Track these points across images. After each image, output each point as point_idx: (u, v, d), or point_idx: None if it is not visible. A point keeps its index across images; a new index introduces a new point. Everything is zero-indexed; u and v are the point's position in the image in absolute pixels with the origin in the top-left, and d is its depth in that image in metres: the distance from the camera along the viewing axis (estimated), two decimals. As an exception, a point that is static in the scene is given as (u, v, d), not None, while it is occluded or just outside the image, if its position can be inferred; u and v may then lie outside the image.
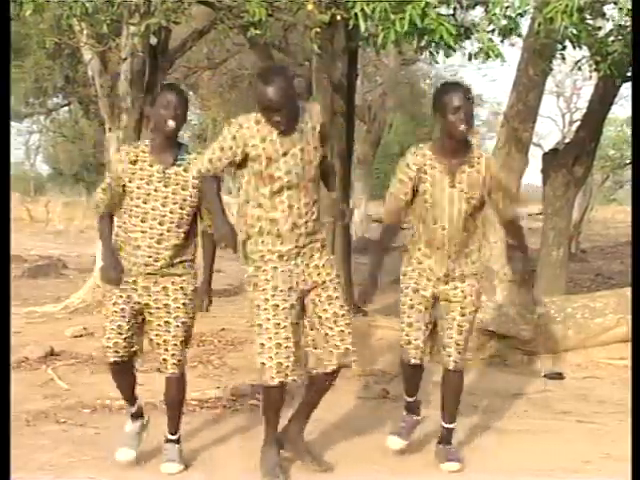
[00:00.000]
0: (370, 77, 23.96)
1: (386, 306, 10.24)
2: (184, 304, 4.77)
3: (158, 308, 4.75)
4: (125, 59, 10.43)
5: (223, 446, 5.17)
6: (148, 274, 4.73)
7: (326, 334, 4.68)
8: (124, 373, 4.85)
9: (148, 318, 4.78)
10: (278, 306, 4.55)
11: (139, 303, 4.74)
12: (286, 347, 4.54)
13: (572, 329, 7.69)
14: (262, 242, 4.60)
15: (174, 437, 4.92)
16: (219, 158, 4.56)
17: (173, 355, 4.78)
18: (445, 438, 4.98)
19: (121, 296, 4.72)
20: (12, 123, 25.79)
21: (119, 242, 4.80)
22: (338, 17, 7.22)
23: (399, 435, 5.02)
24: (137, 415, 4.99)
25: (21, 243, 19.64)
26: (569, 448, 5.26)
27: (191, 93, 23.08)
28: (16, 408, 5.83)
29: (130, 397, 4.95)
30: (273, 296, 4.55)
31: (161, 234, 4.69)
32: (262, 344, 4.55)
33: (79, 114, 23.91)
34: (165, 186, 4.69)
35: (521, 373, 7.32)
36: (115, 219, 4.89)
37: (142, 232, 4.70)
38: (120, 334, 4.71)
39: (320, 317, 4.69)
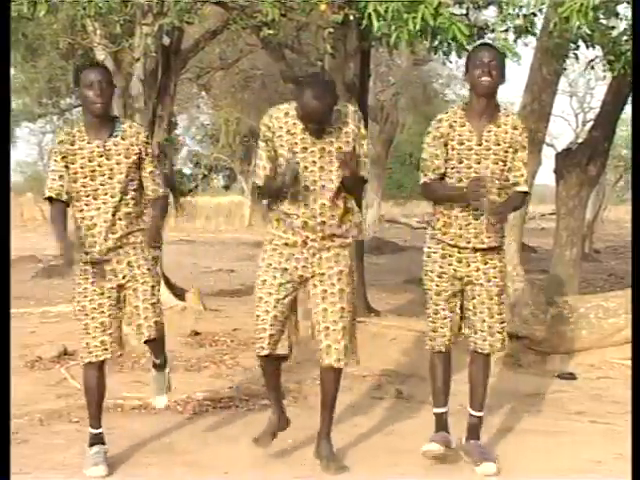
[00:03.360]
0: (383, 77, 23.93)
1: (398, 306, 10.26)
2: (149, 269, 4.84)
3: (128, 282, 4.80)
4: (138, 59, 10.43)
5: (236, 446, 5.18)
6: (109, 251, 4.75)
7: (315, 327, 4.77)
8: (102, 375, 4.85)
9: (118, 296, 4.83)
10: (266, 281, 4.71)
11: (111, 289, 4.78)
12: (262, 320, 4.69)
13: (585, 329, 7.66)
14: (276, 227, 4.75)
15: (159, 361, 5.05)
16: (268, 161, 4.71)
17: (146, 318, 4.82)
18: (474, 430, 4.92)
19: (94, 290, 4.76)
20: (25, 123, 25.88)
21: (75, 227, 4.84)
22: (351, 17, 7.22)
23: (435, 441, 4.87)
24: (101, 440, 4.88)
25: (35, 243, 19.67)
26: (582, 448, 5.24)
27: (203, 93, 23.14)
28: (29, 408, 5.87)
29: (99, 412, 4.89)
30: (266, 272, 4.72)
31: (115, 206, 4.75)
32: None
33: (92, 114, 23.95)
34: (107, 159, 4.75)
35: (534, 373, 7.30)
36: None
37: (97, 209, 4.75)
38: (104, 331, 4.76)
39: (311, 309, 4.78)
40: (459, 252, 4.79)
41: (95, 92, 4.66)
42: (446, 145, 4.73)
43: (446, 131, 4.73)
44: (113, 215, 4.75)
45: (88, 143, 4.75)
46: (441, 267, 4.82)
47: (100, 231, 4.75)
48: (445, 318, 4.85)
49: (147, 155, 4.87)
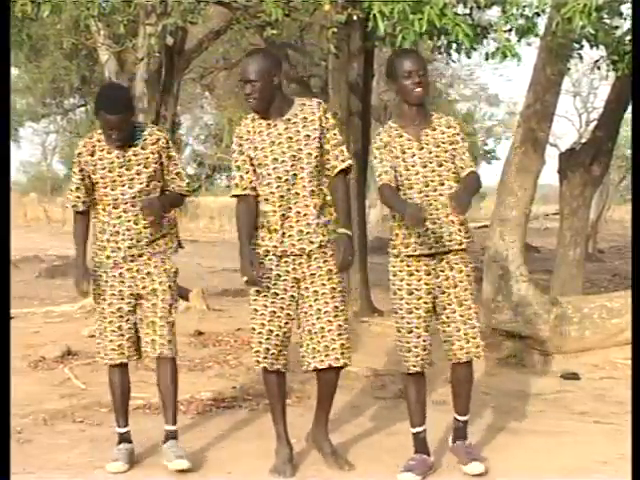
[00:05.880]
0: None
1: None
2: (169, 287, 4.85)
3: (147, 294, 4.81)
4: (142, 59, 10.45)
5: (239, 446, 5.18)
6: (132, 257, 4.77)
7: (309, 331, 4.68)
8: (125, 375, 4.91)
9: (136, 303, 4.85)
10: (259, 292, 4.65)
11: (131, 295, 4.80)
12: (259, 333, 4.66)
13: (589, 329, 7.66)
14: (256, 236, 4.68)
15: (174, 428, 4.86)
16: (244, 167, 4.68)
17: (162, 335, 4.81)
18: (460, 433, 4.90)
19: (113, 294, 4.79)
20: (29, 123, 25.94)
21: (97, 232, 4.85)
22: (354, 17, 7.22)
23: (411, 470, 4.71)
24: (127, 438, 4.95)
25: (38, 243, 19.71)
26: (586, 449, 5.23)
27: (207, 93, 23.15)
28: (33, 407, 5.87)
29: (124, 411, 4.94)
30: (259, 281, 4.64)
31: (136, 215, 4.76)
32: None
33: (96, 114, 23.98)
34: (127, 169, 4.76)
35: (537, 373, 7.30)
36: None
37: (118, 217, 4.77)
38: (122, 335, 4.81)
39: (305, 313, 4.69)
40: (426, 265, 4.68)
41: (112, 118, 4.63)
42: (391, 152, 4.69)
43: (387, 140, 4.71)
44: (136, 224, 4.77)
45: (108, 153, 4.75)
46: (409, 284, 4.68)
47: (124, 239, 4.77)
48: (419, 337, 4.69)
49: (170, 159, 4.88)
